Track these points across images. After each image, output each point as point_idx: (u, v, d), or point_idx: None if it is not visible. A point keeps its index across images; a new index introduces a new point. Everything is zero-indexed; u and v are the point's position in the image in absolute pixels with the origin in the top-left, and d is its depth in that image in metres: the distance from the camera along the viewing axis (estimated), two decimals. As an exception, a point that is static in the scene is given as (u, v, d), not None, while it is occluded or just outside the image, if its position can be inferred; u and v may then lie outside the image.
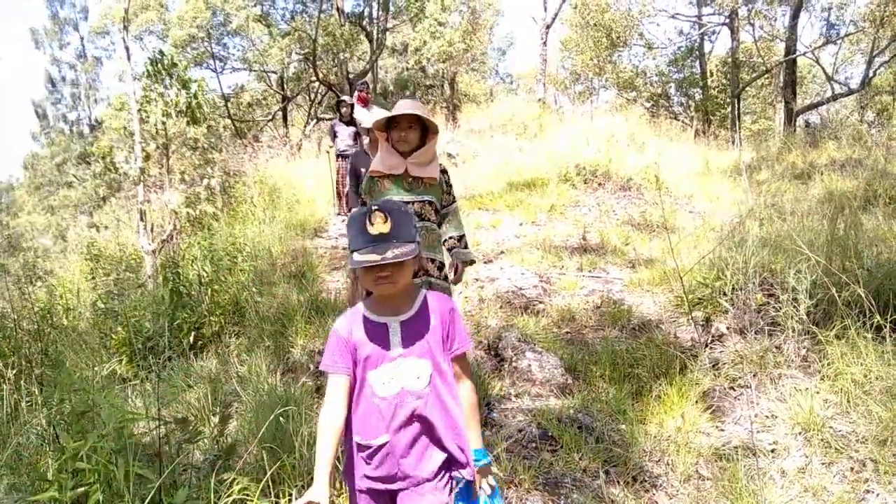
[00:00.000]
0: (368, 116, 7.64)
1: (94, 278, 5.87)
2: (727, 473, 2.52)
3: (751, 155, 10.11)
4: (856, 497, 2.34)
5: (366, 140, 6.62)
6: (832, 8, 16.63)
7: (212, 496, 2.13)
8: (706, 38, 19.69)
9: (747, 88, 18.46)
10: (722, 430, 2.94)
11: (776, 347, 3.35)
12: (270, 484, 2.23)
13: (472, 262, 3.13)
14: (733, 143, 12.71)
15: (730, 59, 17.85)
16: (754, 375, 3.22)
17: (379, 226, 1.57)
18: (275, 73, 21.00)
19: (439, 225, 3.02)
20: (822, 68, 16.98)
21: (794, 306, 3.37)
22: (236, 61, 21.81)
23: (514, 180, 9.01)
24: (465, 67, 23.30)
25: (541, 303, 4.89)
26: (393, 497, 1.66)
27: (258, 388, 3.37)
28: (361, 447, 1.64)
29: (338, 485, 2.42)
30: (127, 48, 7.24)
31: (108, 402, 2.50)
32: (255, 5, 18.62)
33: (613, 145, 9.26)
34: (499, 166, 9.84)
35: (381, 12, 19.17)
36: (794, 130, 13.30)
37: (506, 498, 2.55)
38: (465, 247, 3.08)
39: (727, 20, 17.64)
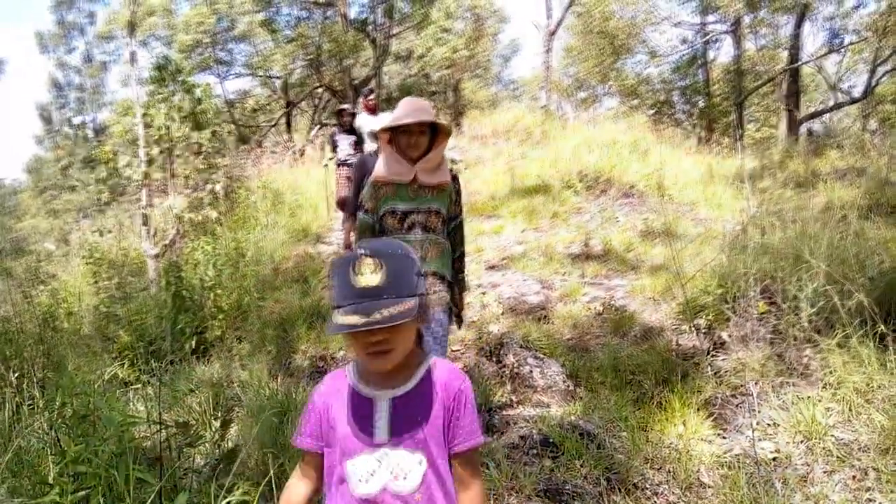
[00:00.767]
0: (376, 122, 7.60)
1: (96, 282, 5.89)
2: (729, 481, 2.50)
3: (754, 163, 10.11)
4: (858, 506, 2.33)
5: (374, 145, 6.58)
6: (836, 17, 16.65)
7: (212, 500, 2.13)
8: (710, 46, 19.73)
9: (751, 96, 18.45)
10: (724, 437, 2.93)
11: (778, 355, 3.34)
12: (273, 488, 2.23)
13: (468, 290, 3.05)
14: (736, 150, 12.70)
15: (733, 67, 17.87)
16: (756, 383, 3.21)
17: (367, 277, 1.16)
18: (279, 78, 21.08)
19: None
20: (826, 77, 16.99)
21: (796, 314, 3.36)
22: (241, 66, 21.94)
23: (517, 186, 9.04)
24: (469, 74, 23.39)
25: (543, 309, 4.89)
26: None
27: (260, 392, 3.38)
28: None
29: None
30: (132, 52, 7.29)
31: (110, 406, 2.51)
32: (259, 11, 18.69)
33: (616, 152, 9.28)
34: (502, 173, 9.87)
35: (385, 19, 19.25)
36: (797, 139, 13.30)
37: (506, 505, 2.54)
38: (463, 268, 2.94)
39: (731, 28, 17.67)
